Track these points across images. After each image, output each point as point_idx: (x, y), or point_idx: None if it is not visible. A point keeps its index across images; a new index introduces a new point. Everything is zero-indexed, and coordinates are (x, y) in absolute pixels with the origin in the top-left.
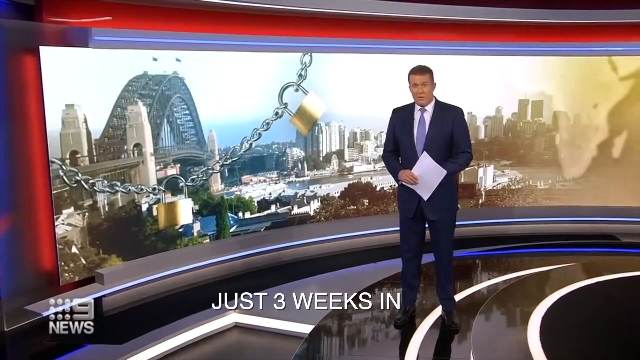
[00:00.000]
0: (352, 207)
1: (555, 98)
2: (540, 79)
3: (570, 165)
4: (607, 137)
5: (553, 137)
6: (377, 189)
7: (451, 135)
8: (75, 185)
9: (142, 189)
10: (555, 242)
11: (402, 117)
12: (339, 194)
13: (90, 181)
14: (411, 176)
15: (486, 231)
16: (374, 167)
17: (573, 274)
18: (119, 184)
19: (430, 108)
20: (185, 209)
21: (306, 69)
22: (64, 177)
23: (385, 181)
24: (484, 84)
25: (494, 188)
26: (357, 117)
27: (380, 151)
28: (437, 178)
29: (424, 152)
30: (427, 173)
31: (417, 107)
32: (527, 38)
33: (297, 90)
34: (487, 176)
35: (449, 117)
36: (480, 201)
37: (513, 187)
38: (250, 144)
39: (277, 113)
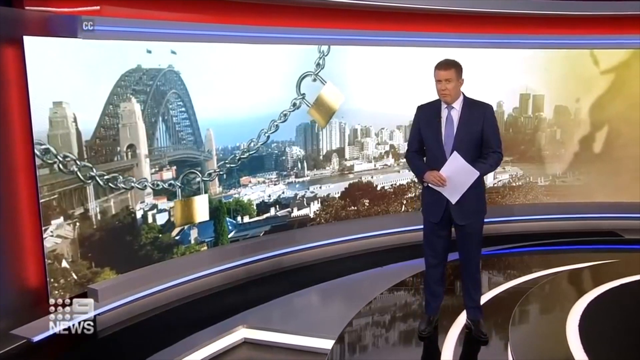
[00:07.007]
0: (352, 207)
1: (556, 93)
2: (539, 73)
3: (570, 162)
4: (611, 133)
5: (554, 132)
6: (378, 188)
7: (481, 135)
8: (89, 181)
9: (158, 185)
10: (557, 241)
11: (427, 115)
12: (339, 195)
13: (105, 177)
14: (439, 178)
15: (486, 230)
16: (375, 166)
17: (593, 275)
18: (134, 179)
19: (458, 105)
20: (201, 206)
21: (324, 58)
22: (78, 173)
23: (386, 180)
24: (484, 77)
25: (495, 185)
26: (357, 113)
27: (381, 149)
28: (469, 180)
29: (454, 152)
30: (457, 174)
31: (444, 105)
32: (528, 31)
33: (314, 80)
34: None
35: (477, 114)
36: None
37: (514, 184)
38: (268, 137)
39: (294, 104)
